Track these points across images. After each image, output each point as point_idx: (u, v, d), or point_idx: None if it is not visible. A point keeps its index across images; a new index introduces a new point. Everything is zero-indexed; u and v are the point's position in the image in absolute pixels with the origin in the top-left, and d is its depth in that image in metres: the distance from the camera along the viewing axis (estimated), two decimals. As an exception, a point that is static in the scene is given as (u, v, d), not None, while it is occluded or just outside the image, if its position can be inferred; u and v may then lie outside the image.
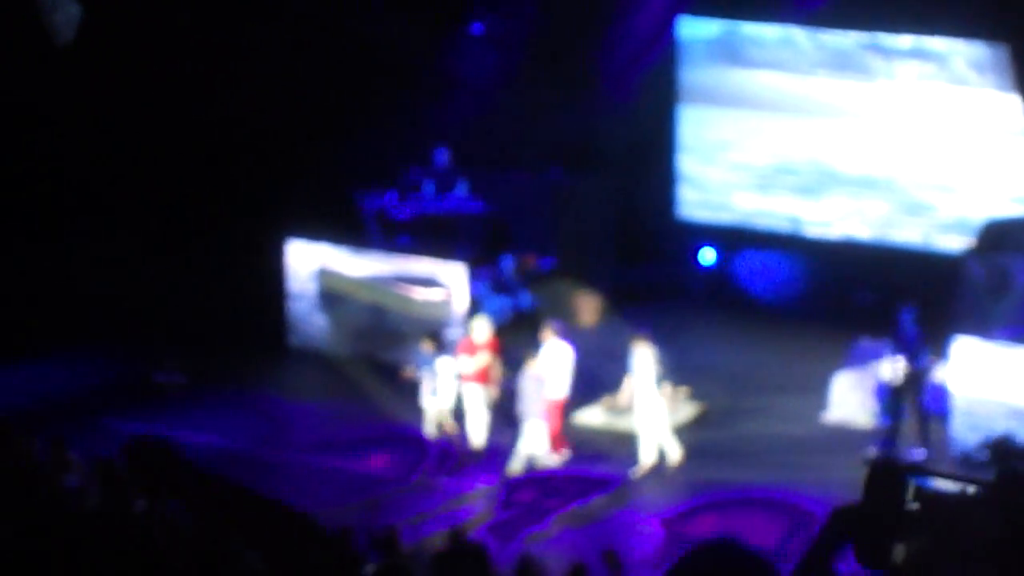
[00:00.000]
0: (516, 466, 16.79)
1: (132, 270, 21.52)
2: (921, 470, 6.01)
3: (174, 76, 21.58)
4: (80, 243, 21.51)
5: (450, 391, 17.26)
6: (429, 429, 17.47)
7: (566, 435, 17.31)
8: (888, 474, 6.05)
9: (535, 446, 16.76)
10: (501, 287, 20.87)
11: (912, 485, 5.95)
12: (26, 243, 21.22)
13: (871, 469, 6.03)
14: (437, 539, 13.73)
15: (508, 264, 21.08)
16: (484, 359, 17.00)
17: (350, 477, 16.87)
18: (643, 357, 16.91)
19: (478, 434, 17.09)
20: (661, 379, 16.78)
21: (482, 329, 17.24)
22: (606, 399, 17.78)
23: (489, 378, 17.06)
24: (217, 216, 21.88)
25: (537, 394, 16.71)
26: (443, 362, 17.24)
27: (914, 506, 5.88)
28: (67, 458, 12.89)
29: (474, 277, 20.05)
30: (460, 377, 17.12)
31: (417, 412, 17.53)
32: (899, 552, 5.85)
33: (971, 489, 6.00)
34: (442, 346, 17.60)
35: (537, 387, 16.73)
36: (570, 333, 17.79)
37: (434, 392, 17.28)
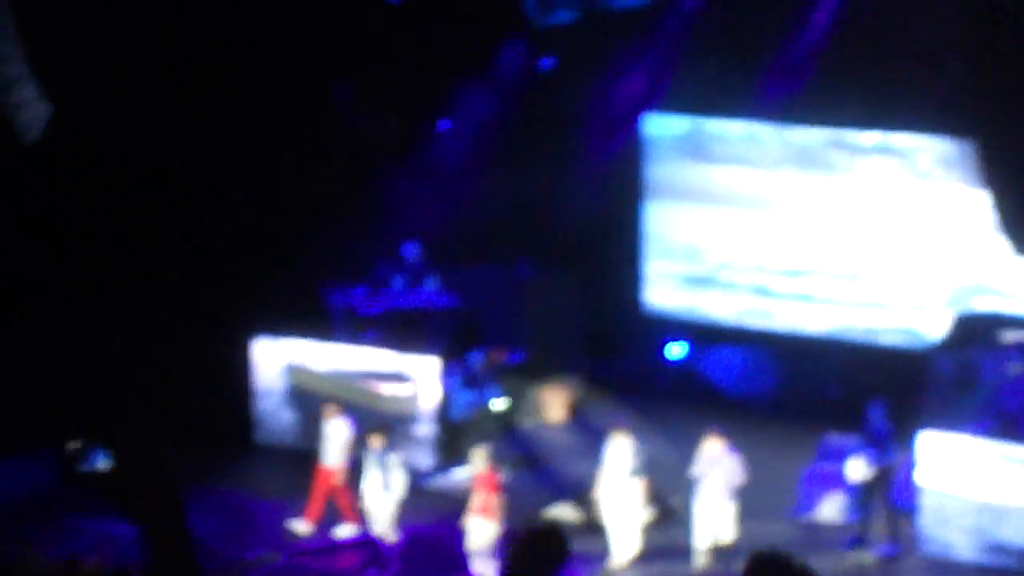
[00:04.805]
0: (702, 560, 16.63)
1: (94, 367, 21.38)
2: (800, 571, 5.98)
3: (138, 170, 21.55)
4: (42, 340, 21.38)
5: (400, 486, 16.76)
6: (378, 526, 16.94)
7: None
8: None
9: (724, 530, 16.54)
10: (471, 382, 20.80)
11: None
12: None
13: (750, 563, 6.00)
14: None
15: (478, 359, 21.00)
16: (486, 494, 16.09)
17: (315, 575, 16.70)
18: (620, 449, 16.76)
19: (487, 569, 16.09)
20: (636, 472, 16.64)
21: (481, 461, 16.26)
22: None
23: (491, 512, 16.04)
24: (183, 312, 21.79)
25: (723, 476, 16.43)
26: (393, 458, 16.80)
27: None
28: (33, 557, 12.75)
29: (444, 372, 19.98)
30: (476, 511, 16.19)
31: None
32: None
33: None
34: (392, 441, 17.22)
35: (720, 468, 16.43)
36: (539, 428, 17.57)
37: (386, 487, 16.72)
